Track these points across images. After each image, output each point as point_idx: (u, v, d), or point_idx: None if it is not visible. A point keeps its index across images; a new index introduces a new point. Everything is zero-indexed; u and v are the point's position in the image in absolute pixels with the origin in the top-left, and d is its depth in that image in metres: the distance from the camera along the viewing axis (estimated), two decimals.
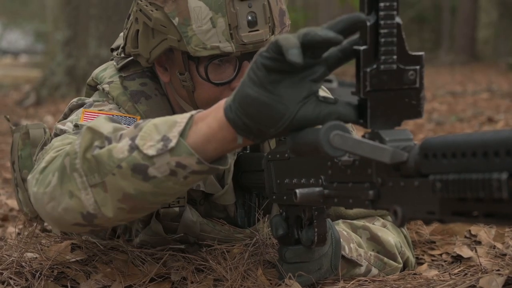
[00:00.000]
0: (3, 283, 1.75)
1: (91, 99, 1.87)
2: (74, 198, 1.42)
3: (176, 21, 1.65)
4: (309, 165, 1.47)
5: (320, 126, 1.20)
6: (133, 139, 1.36)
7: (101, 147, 1.39)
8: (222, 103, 1.31)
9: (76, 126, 1.69)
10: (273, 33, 1.67)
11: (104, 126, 1.43)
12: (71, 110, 1.89)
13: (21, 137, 2.15)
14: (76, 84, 8.12)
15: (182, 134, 1.32)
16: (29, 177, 1.53)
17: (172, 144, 1.31)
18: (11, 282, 1.74)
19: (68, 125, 1.71)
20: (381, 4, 1.21)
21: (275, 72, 1.20)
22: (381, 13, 1.21)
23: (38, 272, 1.77)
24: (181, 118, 1.35)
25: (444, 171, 1.05)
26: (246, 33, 1.63)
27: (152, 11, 1.68)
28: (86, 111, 1.74)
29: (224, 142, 1.31)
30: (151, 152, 1.33)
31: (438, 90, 9.03)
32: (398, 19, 1.22)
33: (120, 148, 1.36)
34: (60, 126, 1.71)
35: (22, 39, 26.29)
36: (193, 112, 1.36)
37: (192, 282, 1.74)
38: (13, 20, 24.78)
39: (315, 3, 15.79)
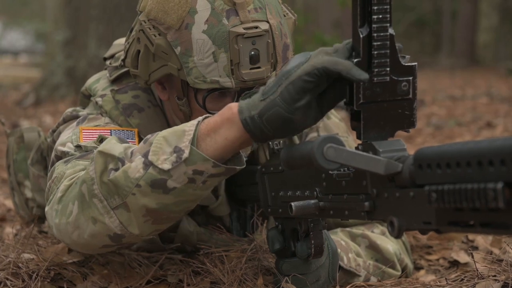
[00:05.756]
0: None
1: (85, 112, 1.85)
2: (98, 223, 1.46)
3: (178, 50, 1.62)
4: (303, 177, 1.47)
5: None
6: (145, 155, 1.40)
7: (116, 169, 1.42)
8: (234, 113, 1.36)
9: (78, 147, 1.67)
10: (274, 69, 1.64)
11: (115, 147, 1.46)
12: (65, 121, 1.88)
13: (15, 141, 2.15)
14: (75, 85, 8.10)
15: (193, 142, 1.37)
16: (47, 208, 1.55)
17: (186, 154, 1.36)
18: (8, 283, 1.74)
19: (68, 146, 1.69)
20: (374, 17, 1.22)
21: (310, 94, 1.29)
22: (374, 25, 1.23)
23: (35, 273, 1.77)
24: (189, 126, 1.39)
25: (439, 182, 1.05)
26: (247, 70, 1.60)
27: (155, 35, 1.64)
28: (83, 129, 1.73)
29: (240, 148, 1.40)
30: (167, 166, 1.37)
31: (438, 94, 9.04)
32: (391, 30, 1.24)
33: (135, 167, 1.40)
34: (60, 148, 1.70)
35: (22, 39, 26.25)
36: (200, 118, 1.40)
37: (188, 285, 1.74)
38: (14, 20, 24.76)
39: (315, 6, 15.79)
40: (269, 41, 1.61)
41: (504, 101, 7.75)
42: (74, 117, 1.85)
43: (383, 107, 1.27)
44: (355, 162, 1.17)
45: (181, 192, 1.40)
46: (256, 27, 1.59)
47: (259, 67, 1.61)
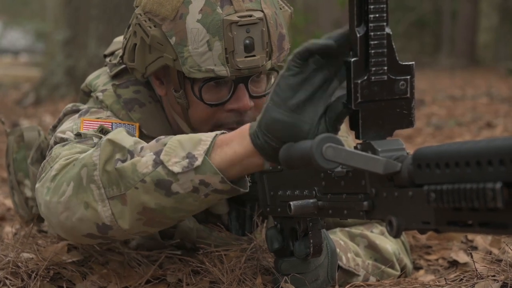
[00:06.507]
0: None
1: (86, 106, 1.85)
2: (90, 209, 1.45)
3: (173, 40, 1.63)
4: (302, 176, 1.47)
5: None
6: (157, 153, 1.40)
7: (123, 160, 1.42)
8: (246, 129, 1.35)
9: (78, 135, 1.67)
10: (270, 58, 1.65)
11: (125, 139, 1.45)
12: (65, 115, 1.88)
13: (15, 140, 2.15)
14: (75, 84, 8.10)
15: (207, 152, 1.37)
16: (38, 185, 1.54)
17: (198, 162, 1.36)
18: (7, 282, 1.74)
19: (68, 134, 1.68)
20: (371, 16, 1.22)
21: (298, 88, 1.25)
22: (371, 24, 1.23)
23: (34, 273, 1.77)
24: (206, 137, 1.39)
25: (438, 181, 1.05)
26: (242, 58, 1.61)
27: (150, 27, 1.66)
28: (85, 120, 1.73)
29: (250, 167, 1.37)
30: (176, 169, 1.37)
31: (438, 94, 9.03)
32: (388, 30, 1.24)
33: (144, 162, 1.39)
34: (60, 134, 1.69)
35: (22, 38, 26.24)
36: (218, 132, 1.40)
37: (187, 284, 1.74)
38: (14, 19, 24.75)
39: (315, 6, 15.78)
40: (264, 29, 1.62)
41: (504, 101, 7.76)
42: (74, 111, 1.86)
43: (381, 106, 1.27)
44: (354, 162, 1.17)
45: (182, 199, 1.40)
46: (251, 16, 1.60)
47: (254, 55, 1.61)
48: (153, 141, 1.45)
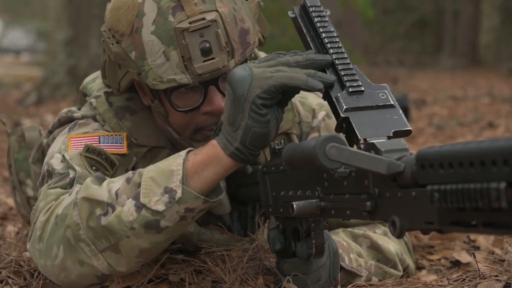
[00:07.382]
0: (1, 282, 1.76)
1: (79, 114, 1.86)
2: (86, 266, 1.50)
3: (133, 55, 1.63)
4: (304, 177, 1.47)
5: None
6: (135, 198, 1.45)
7: (104, 214, 1.46)
8: (218, 151, 1.46)
9: (64, 159, 1.68)
10: (232, 57, 1.62)
11: (99, 192, 1.49)
12: (60, 122, 1.89)
13: (17, 140, 2.17)
14: (76, 84, 8.10)
15: (183, 181, 1.44)
16: (29, 246, 1.59)
17: (179, 194, 1.43)
18: (10, 281, 1.74)
19: (56, 160, 1.69)
20: (330, 49, 1.44)
21: (273, 105, 1.43)
22: (334, 56, 1.43)
23: (37, 272, 1.77)
24: (176, 166, 1.46)
25: (442, 181, 1.04)
26: (200, 63, 1.59)
27: (112, 44, 1.65)
28: (72, 138, 1.74)
29: (227, 174, 1.50)
30: (160, 207, 1.44)
31: (439, 94, 9.03)
32: (349, 60, 1.44)
33: (127, 210, 1.45)
34: (50, 161, 1.71)
35: (24, 38, 26.22)
36: (183, 155, 1.47)
37: (190, 284, 1.74)
38: (15, 19, 24.75)
39: None
40: (219, 30, 1.59)
41: (505, 102, 7.76)
42: (68, 119, 1.86)
43: (370, 114, 1.35)
44: (357, 162, 1.17)
45: (173, 230, 1.48)
46: (203, 19, 1.58)
47: (212, 58, 1.59)
48: (124, 182, 1.49)
